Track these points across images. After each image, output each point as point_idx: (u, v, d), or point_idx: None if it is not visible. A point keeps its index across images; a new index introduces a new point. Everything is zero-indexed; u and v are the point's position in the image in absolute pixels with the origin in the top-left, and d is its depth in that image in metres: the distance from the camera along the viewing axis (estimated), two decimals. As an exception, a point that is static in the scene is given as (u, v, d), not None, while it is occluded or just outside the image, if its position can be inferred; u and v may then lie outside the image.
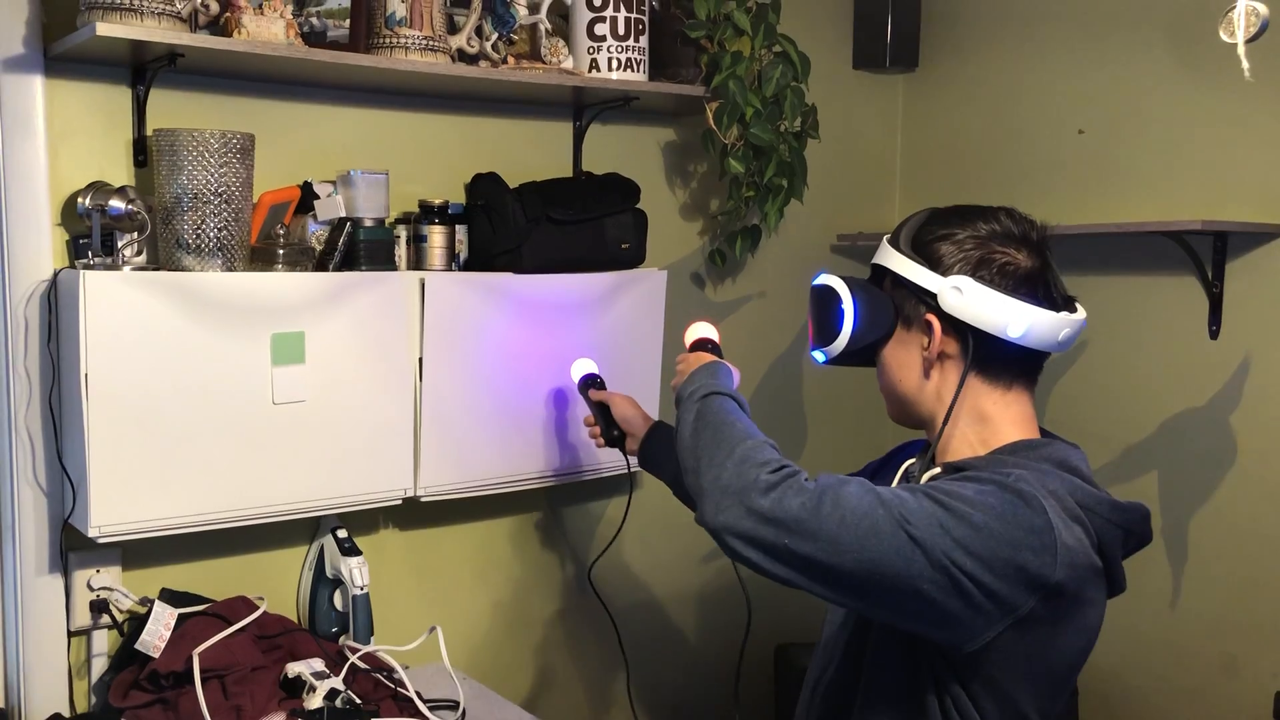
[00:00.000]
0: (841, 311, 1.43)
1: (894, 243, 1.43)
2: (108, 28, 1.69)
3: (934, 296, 1.38)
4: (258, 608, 1.96)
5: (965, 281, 1.36)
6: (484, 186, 2.22)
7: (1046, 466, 1.36)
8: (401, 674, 1.98)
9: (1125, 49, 2.52)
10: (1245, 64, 1.37)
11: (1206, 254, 2.38)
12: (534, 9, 2.25)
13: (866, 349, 1.46)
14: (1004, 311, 1.36)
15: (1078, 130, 2.62)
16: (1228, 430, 2.39)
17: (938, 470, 1.40)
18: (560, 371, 2.24)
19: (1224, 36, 1.40)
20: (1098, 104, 2.58)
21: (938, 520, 1.21)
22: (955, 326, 1.38)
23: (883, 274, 1.46)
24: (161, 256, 1.86)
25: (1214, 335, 2.40)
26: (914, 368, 1.43)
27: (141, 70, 1.91)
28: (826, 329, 1.46)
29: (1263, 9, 1.36)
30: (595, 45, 2.25)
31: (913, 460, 1.54)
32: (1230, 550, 2.39)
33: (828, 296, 1.45)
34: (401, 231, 2.14)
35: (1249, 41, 1.38)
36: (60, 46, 1.80)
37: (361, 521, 2.20)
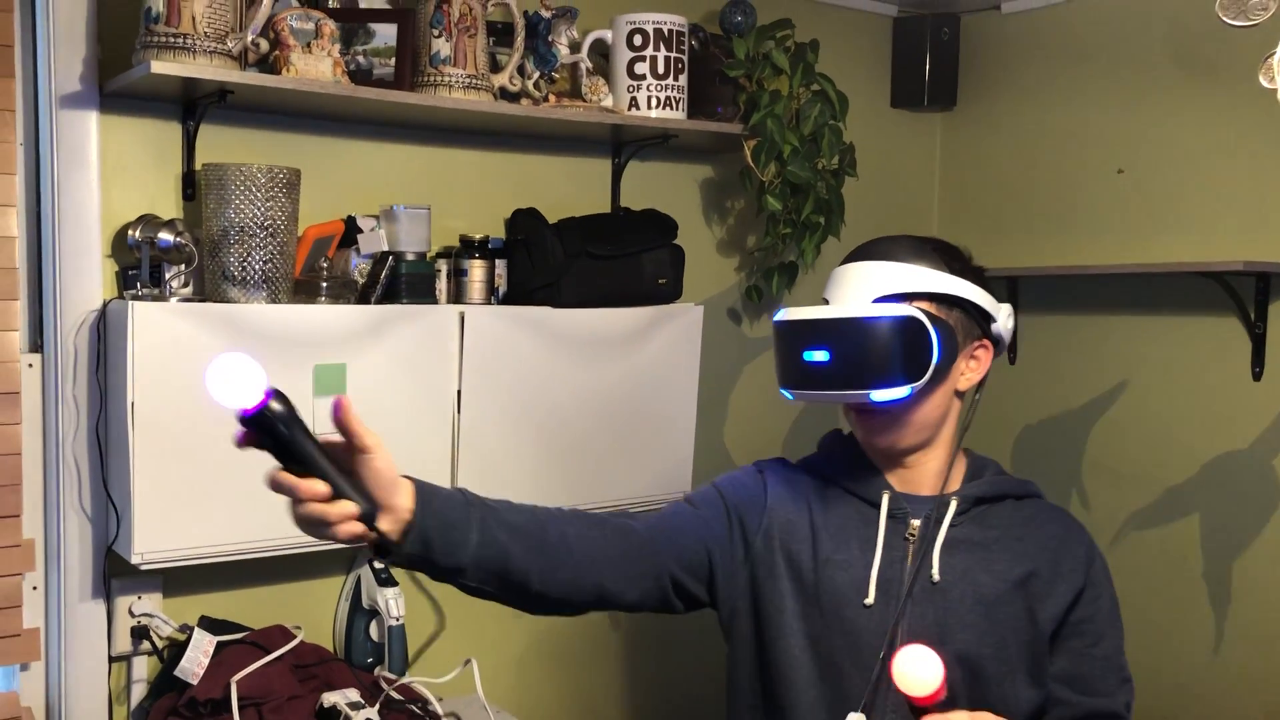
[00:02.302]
0: (930, 341, 1.36)
1: (953, 270, 1.41)
2: (162, 66, 1.73)
3: (993, 320, 1.43)
4: (295, 637, 1.98)
5: (1006, 306, 1.45)
6: (524, 222, 2.25)
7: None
8: (436, 706, 1.99)
9: (1164, 89, 2.52)
10: (1286, 108, 1.37)
11: (1249, 295, 2.36)
12: (575, 48, 2.28)
13: (931, 380, 1.38)
14: (1010, 324, 1.46)
15: (1117, 170, 2.62)
16: (1271, 474, 2.36)
17: (956, 504, 1.43)
18: (595, 406, 2.24)
19: (1264, 82, 1.40)
20: (1137, 144, 2.57)
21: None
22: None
23: (921, 298, 1.39)
24: (208, 288, 1.89)
25: (1257, 377, 2.37)
26: (949, 394, 1.44)
27: (192, 106, 1.96)
28: (915, 361, 1.35)
29: (1304, 54, 1.37)
30: (635, 84, 2.28)
31: (883, 501, 1.47)
32: (1275, 597, 2.35)
33: (911, 327, 1.35)
34: (442, 265, 2.17)
35: (1291, 86, 1.38)
36: (116, 84, 1.85)
37: (398, 552, 2.21)
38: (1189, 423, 2.49)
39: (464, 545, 1.23)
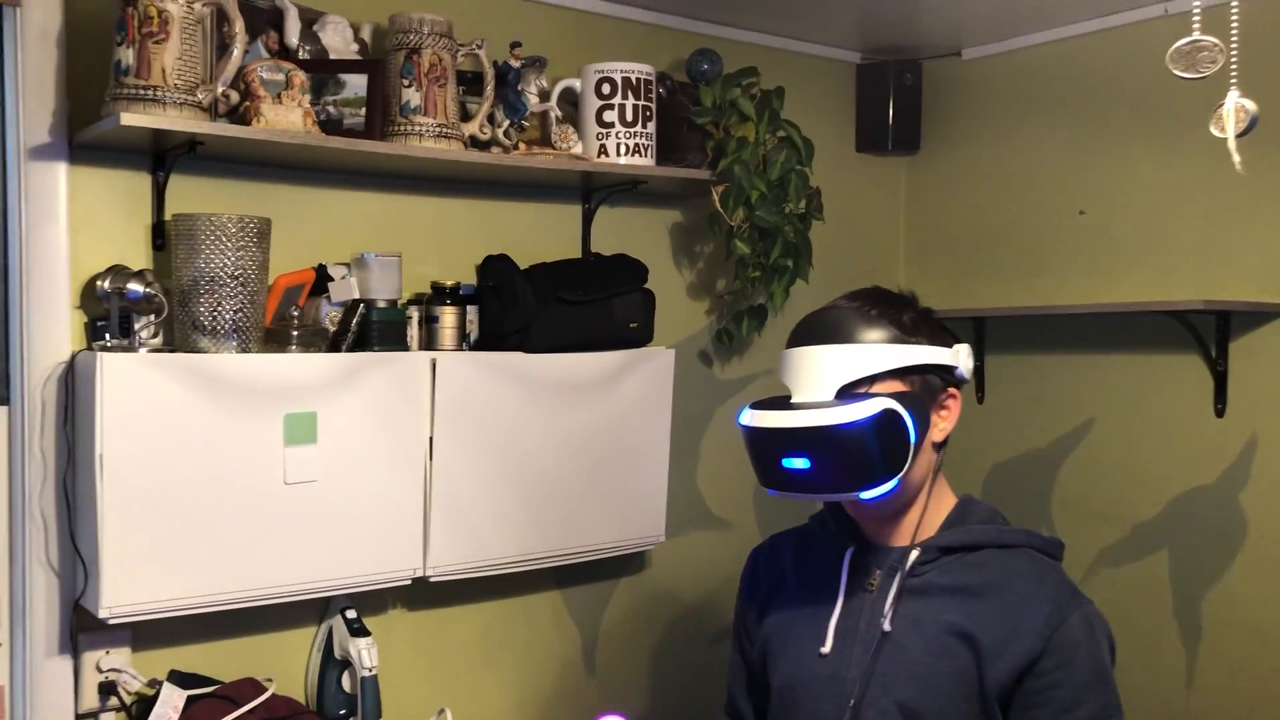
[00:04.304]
0: (905, 427, 1.35)
1: (905, 330, 1.40)
2: (132, 117, 1.73)
3: (952, 370, 1.42)
4: (266, 689, 1.95)
5: (963, 346, 1.44)
6: (495, 267, 2.26)
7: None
8: (409, 757, 1.96)
9: (1123, 133, 2.57)
10: (1236, 157, 1.41)
11: (1209, 333, 2.40)
12: (545, 97, 2.31)
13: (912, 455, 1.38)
14: (969, 362, 1.44)
15: (1079, 211, 2.66)
16: (1237, 508, 2.39)
17: (917, 554, 1.42)
18: (568, 450, 2.25)
19: (1215, 131, 1.44)
20: (1098, 186, 2.62)
21: None
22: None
23: (883, 377, 1.38)
24: (177, 338, 1.89)
25: (1219, 413, 2.41)
26: (928, 452, 1.44)
27: (162, 157, 1.96)
28: (895, 452, 1.35)
29: (1251, 105, 1.40)
30: (604, 131, 2.31)
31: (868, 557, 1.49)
32: (1244, 629, 2.37)
33: (886, 420, 1.33)
34: (414, 312, 2.17)
35: (1239, 136, 1.41)
36: (85, 135, 1.85)
37: (370, 602, 2.19)
38: (1155, 459, 2.52)
39: None
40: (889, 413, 1.34)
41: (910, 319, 1.42)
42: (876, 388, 1.37)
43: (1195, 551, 2.45)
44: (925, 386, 1.41)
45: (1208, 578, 2.43)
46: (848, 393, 1.36)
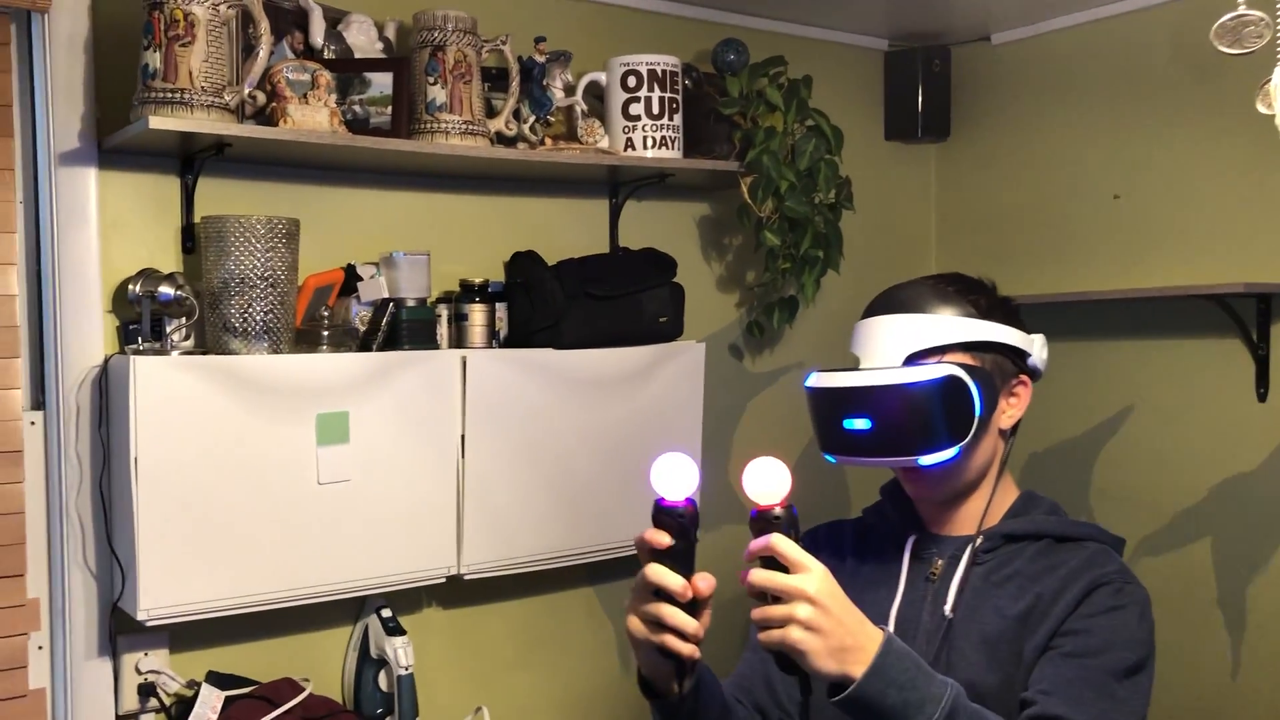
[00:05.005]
0: (971, 397, 1.34)
1: (981, 310, 1.40)
2: (160, 121, 1.74)
3: (1026, 356, 1.41)
4: (303, 689, 1.96)
5: (1039, 336, 1.44)
6: (523, 265, 2.26)
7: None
8: (447, 755, 1.96)
9: (1158, 114, 2.53)
10: (1284, 133, 1.38)
11: (1250, 316, 2.36)
12: (570, 91, 2.30)
13: (976, 431, 1.36)
14: (1044, 354, 1.44)
15: (1114, 195, 2.62)
16: (1281, 494, 2.35)
17: (980, 542, 1.40)
18: (599, 447, 2.24)
19: (1261, 108, 1.40)
20: (1133, 169, 2.58)
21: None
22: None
23: (954, 349, 1.38)
24: (209, 340, 1.89)
25: (1262, 398, 2.37)
26: (994, 436, 1.42)
27: (190, 160, 1.96)
28: (959, 419, 1.34)
29: (1300, 80, 1.37)
30: (630, 124, 2.29)
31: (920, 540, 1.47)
32: (1290, 618, 2.33)
33: (952, 387, 1.33)
34: (443, 311, 2.17)
35: (1291, 113, 1.38)
36: (114, 140, 1.86)
37: (405, 601, 2.20)
38: (1196, 446, 2.48)
39: (709, 712, 1.31)
40: (955, 379, 1.33)
41: (987, 300, 1.42)
42: (947, 358, 1.36)
43: (1239, 539, 2.41)
44: (996, 367, 1.40)
45: (1252, 565, 2.39)
46: (916, 361, 1.36)
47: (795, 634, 1.12)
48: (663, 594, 1.15)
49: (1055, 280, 2.72)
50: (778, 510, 1.15)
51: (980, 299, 1.42)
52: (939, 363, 1.35)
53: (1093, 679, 1.28)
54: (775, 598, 1.14)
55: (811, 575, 1.13)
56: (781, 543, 1.13)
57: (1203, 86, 2.43)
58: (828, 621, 1.12)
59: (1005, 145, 2.85)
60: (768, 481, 1.15)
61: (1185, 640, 2.45)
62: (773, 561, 1.14)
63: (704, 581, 1.16)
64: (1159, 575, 2.52)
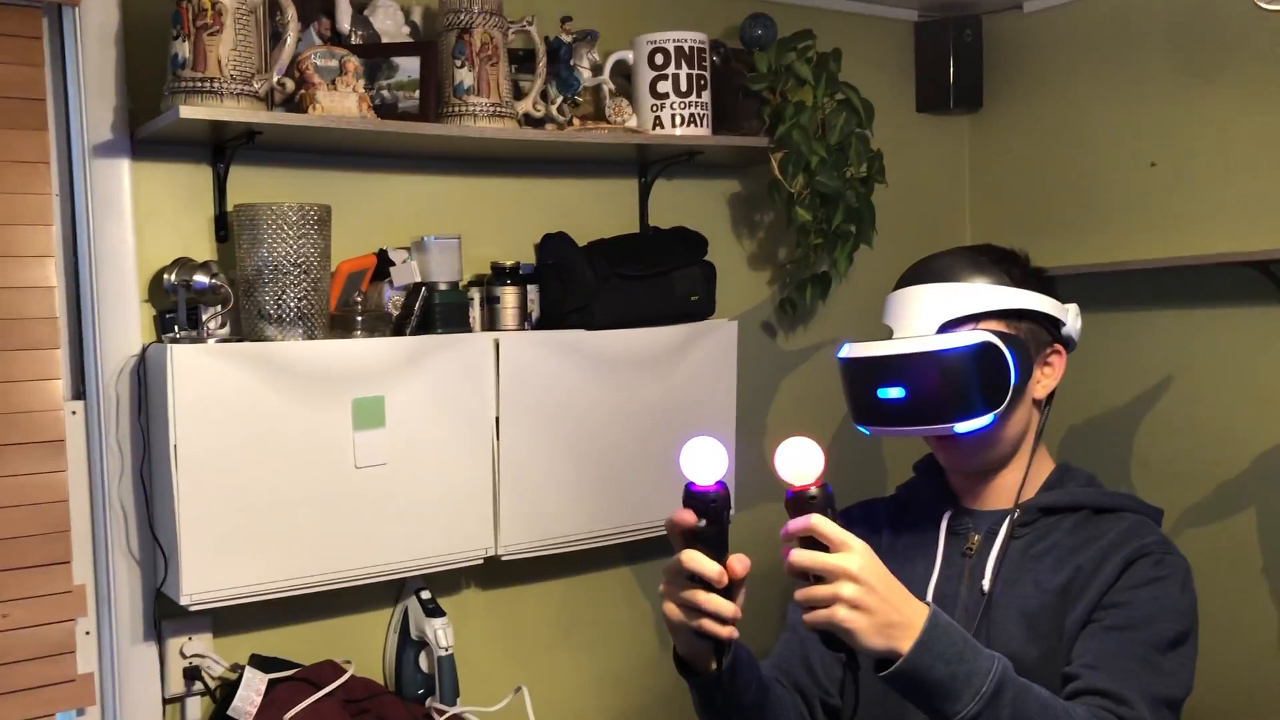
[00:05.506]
0: (1006, 364, 1.34)
1: (1015, 280, 1.40)
2: (190, 110, 1.75)
3: (1060, 325, 1.41)
4: (345, 671, 1.98)
5: (1073, 306, 1.43)
6: (554, 246, 2.25)
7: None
8: (488, 735, 1.98)
9: (1194, 80, 2.48)
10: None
11: (1293, 282, 2.32)
12: (597, 71, 2.29)
13: (1011, 399, 1.36)
14: (1078, 324, 1.44)
15: (1150, 163, 2.58)
16: (1327, 463, 2.31)
17: (1017, 515, 1.39)
18: (633, 426, 2.24)
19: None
20: (1169, 136, 2.54)
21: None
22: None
23: (988, 317, 1.38)
24: (244, 328, 1.91)
25: (1306, 365, 2.33)
26: (1028, 406, 1.42)
27: (221, 149, 1.98)
28: (993, 387, 1.33)
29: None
30: (658, 103, 2.28)
31: (955, 515, 1.47)
32: (1337, 588, 2.30)
33: (986, 354, 1.33)
34: (475, 294, 2.17)
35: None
36: (146, 130, 1.88)
37: (444, 582, 2.21)
38: (1239, 415, 2.44)
39: (747, 690, 1.31)
40: (989, 345, 1.33)
41: (1020, 271, 1.42)
42: (981, 326, 1.36)
43: (1284, 509, 2.38)
44: (1031, 335, 1.39)
45: (1298, 536, 2.36)
46: (950, 329, 1.36)
47: (841, 613, 1.12)
48: (698, 579, 1.15)
49: (1093, 250, 2.68)
50: (813, 490, 1.15)
51: (1014, 268, 1.41)
52: (974, 329, 1.35)
53: (1136, 652, 1.27)
54: (818, 578, 1.13)
55: (854, 553, 1.13)
56: (822, 522, 1.13)
57: (1241, 49, 2.38)
58: (873, 599, 1.12)
59: (1039, 115, 2.81)
60: (801, 462, 1.14)
61: (1230, 612, 2.42)
62: (813, 541, 1.14)
63: (740, 563, 1.16)
64: (1203, 546, 2.49)
